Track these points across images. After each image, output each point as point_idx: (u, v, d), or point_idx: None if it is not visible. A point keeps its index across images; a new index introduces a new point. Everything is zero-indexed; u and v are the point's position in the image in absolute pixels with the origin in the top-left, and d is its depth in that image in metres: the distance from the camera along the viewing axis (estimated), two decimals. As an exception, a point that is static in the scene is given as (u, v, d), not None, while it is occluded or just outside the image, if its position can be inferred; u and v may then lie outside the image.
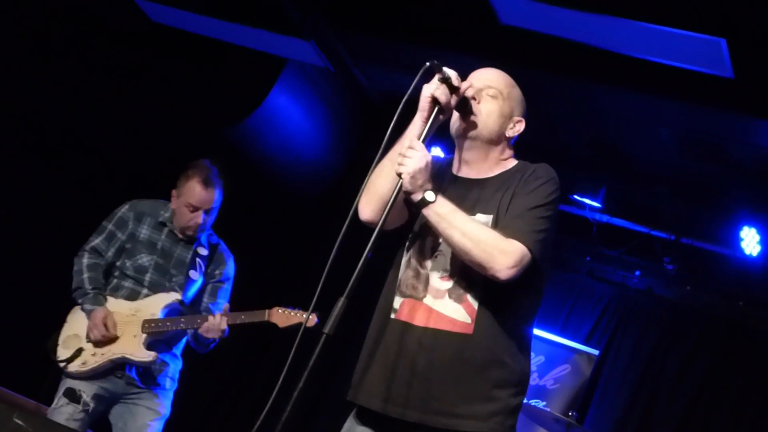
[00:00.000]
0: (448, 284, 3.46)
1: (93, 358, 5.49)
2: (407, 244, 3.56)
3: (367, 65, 7.82)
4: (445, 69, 3.45)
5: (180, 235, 5.72)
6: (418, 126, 3.48)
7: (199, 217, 5.64)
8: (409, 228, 3.58)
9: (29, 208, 8.36)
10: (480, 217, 3.48)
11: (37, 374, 6.67)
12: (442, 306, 3.44)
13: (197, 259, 5.75)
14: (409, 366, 3.40)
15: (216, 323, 5.39)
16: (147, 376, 5.60)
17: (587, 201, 8.06)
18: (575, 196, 8.09)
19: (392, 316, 3.51)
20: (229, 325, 5.43)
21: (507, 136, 3.66)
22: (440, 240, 3.47)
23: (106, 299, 5.61)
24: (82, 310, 5.61)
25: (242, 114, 7.74)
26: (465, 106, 3.55)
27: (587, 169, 7.95)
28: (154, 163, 7.78)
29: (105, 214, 5.82)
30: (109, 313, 5.52)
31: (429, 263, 3.51)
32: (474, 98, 3.56)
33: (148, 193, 5.99)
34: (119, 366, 5.52)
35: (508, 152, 3.70)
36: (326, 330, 3.17)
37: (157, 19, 7.76)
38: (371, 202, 3.48)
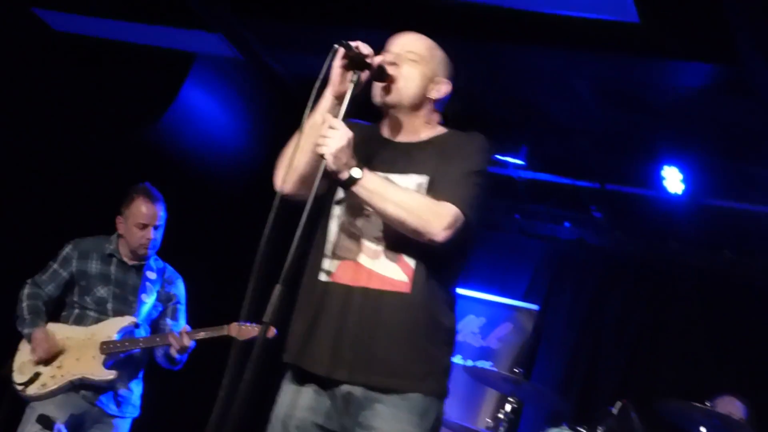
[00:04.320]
0: (383, 244, 3.41)
1: (52, 380, 5.51)
2: (333, 208, 3.49)
3: (278, 51, 7.69)
4: (354, 43, 3.37)
5: (130, 262, 5.77)
6: (329, 100, 3.42)
7: (150, 233, 5.70)
8: (330, 193, 3.50)
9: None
10: (414, 177, 3.45)
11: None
12: (378, 266, 3.40)
13: (147, 283, 5.80)
14: (350, 327, 3.35)
15: (178, 341, 5.46)
16: (115, 403, 5.64)
17: (510, 160, 8.04)
18: (497, 156, 8.04)
19: (327, 279, 3.44)
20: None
21: (432, 98, 3.60)
22: None
23: (45, 323, 5.63)
24: (23, 336, 5.63)
25: (156, 114, 7.59)
26: (382, 75, 3.47)
27: (507, 128, 7.89)
28: (76, 175, 7.58)
29: (40, 230, 5.99)
30: (47, 330, 5.57)
31: (361, 224, 3.46)
32: (394, 63, 3.49)
33: (75, 203, 5.92)
34: (81, 387, 5.52)
35: (436, 116, 3.65)
36: (265, 318, 3.12)
37: (59, 28, 7.60)
38: (289, 175, 3.39)
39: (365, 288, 3.37)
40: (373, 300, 3.36)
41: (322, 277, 3.44)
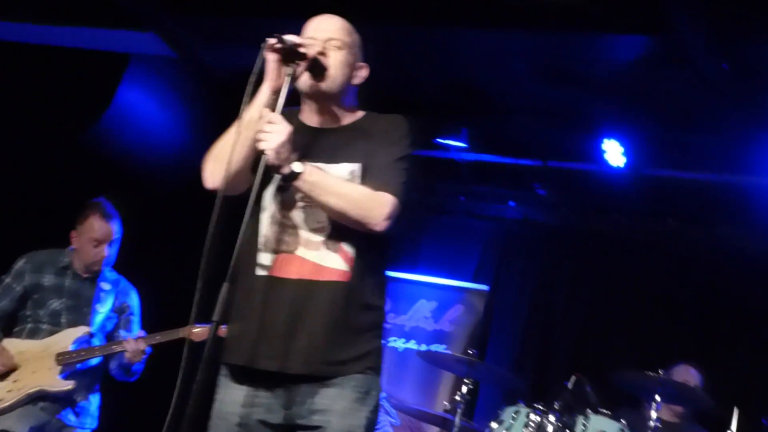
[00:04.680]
0: (322, 235, 3.43)
1: (9, 394, 5.50)
2: (264, 201, 3.47)
3: (213, 47, 7.62)
4: (287, 37, 3.36)
5: (84, 274, 5.76)
6: (267, 95, 3.41)
7: (103, 251, 5.71)
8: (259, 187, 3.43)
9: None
10: (346, 166, 3.47)
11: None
12: (318, 257, 3.42)
13: (101, 293, 5.81)
14: (289, 319, 3.37)
15: (136, 346, 5.48)
16: (74, 414, 5.63)
17: (451, 143, 8.03)
18: (439, 140, 8.05)
19: (264, 273, 3.44)
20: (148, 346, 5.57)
21: (354, 84, 3.62)
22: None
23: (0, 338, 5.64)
24: None
25: (94, 117, 7.50)
26: (316, 66, 3.46)
27: (447, 111, 7.92)
28: (18, 183, 7.48)
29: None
30: (1, 345, 5.57)
31: (296, 216, 3.46)
32: (323, 53, 3.48)
33: (16, 212, 5.93)
34: (39, 400, 5.51)
35: (355, 100, 3.68)
36: (215, 317, 3.12)
37: (-9, 37, 7.49)
38: (220, 169, 3.34)
39: (306, 280, 3.39)
40: (314, 291, 3.38)
41: (259, 271, 3.44)
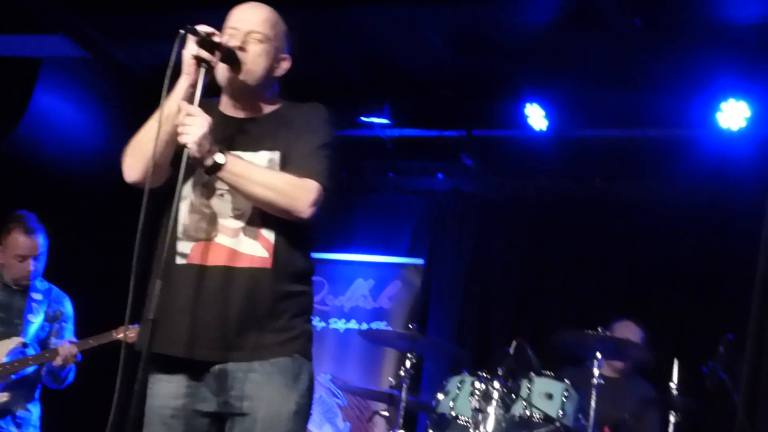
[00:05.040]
0: (241, 222, 3.42)
1: None
2: (184, 191, 3.40)
3: (125, 44, 7.55)
4: (201, 28, 3.32)
5: (14, 286, 5.72)
6: (185, 88, 3.37)
7: (29, 265, 5.66)
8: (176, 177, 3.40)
9: None
10: (265, 154, 3.47)
11: None
12: (237, 244, 3.41)
13: (33, 304, 5.76)
14: (210, 307, 3.36)
15: (67, 350, 5.47)
16: (15, 426, 5.59)
17: (375, 120, 8.04)
18: (362, 119, 8.05)
19: (183, 261, 3.42)
20: (80, 352, 5.54)
21: (275, 75, 3.59)
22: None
23: None
24: None
25: (9, 125, 7.40)
26: (231, 57, 3.43)
27: (368, 89, 7.92)
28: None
29: None
30: None
31: (215, 204, 3.44)
32: (241, 47, 3.44)
33: None
34: None
35: (275, 91, 3.65)
36: (150, 315, 3.14)
37: None
38: (141, 163, 3.35)
39: (225, 266, 3.38)
40: (235, 278, 3.37)
41: (179, 260, 3.42)
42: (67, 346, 5.46)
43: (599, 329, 6.00)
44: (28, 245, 5.64)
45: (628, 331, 6.54)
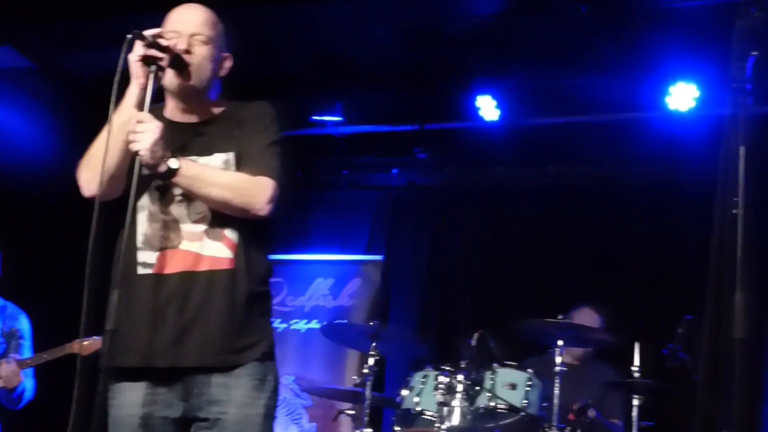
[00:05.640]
0: (204, 225, 3.42)
1: None
2: (140, 201, 3.41)
3: (72, 52, 7.50)
4: (147, 33, 3.30)
5: None
6: (135, 95, 3.35)
7: None
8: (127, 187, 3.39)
9: None
10: (220, 156, 3.48)
11: None
12: (202, 248, 3.42)
13: None
14: (179, 313, 3.36)
15: (8, 370, 5.47)
16: None
17: (327, 118, 8.05)
18: (314, 117, 8.06)
19: (148, 271, 3.41)
20: (35, 366, 5.55)
21: (220, 76, 3.60)
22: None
23: None
24: None
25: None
26: (179, 62, 3.41)
27: (320, 88, 7.94)
28: None
29: None
30: None
31: (174, 211, 3.44)
32: (186, 51, 3.43)
33: None
34: None
35: (218, 91, 3.65)
36: (108, 326, 3.10)
37: None
38: (96, 176, 3.30)
39: (191, 272, 3.38)
40: (201, 282, 3.38)
41: (142, 270, 3.41)
42: (5, 366, 5.44)
43: (560, 317, 6.05)
44: None
45: (586, 317, 6.59)
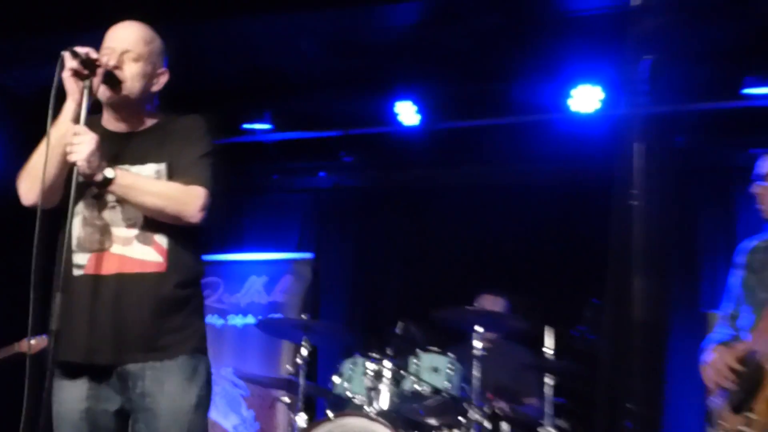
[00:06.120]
0: (134, 231, 3.43)
1: None
2: (74, 206, 3.36)
3: (10, 69, 7.41)
4: (80, 50, 3.30)
5: None
6: (72, 109, 3.35)
7: None
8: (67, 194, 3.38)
9: None
10: (152, 166, 3.49)
11: None
12: (131, 251, 3.42)
13: None
14: (111, 313, 3.37)
15: None
16: None
17: (257, 126, 8.05)
18: (245, 126, 8.06)
19: (81, 272, 3.42)
20: None
21: (153, 90, 3.60)
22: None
23: None
24: None
25: None
26: (111, 78, 3.43)
27: (249, 97, 7.92)
28: None
29: None
30: None
31: (107, 216, 3.45)
32: (117, 67, 3.44)
33: None
34: None
35: (156, 104, 3.66)
36: (52, 327, 3.12)
37: None
38: (36, 186, 3.31)
39: (122, 273, 3.39)
40: (131, 284, 3.39)
41: (76, 272, 3.42)
42: None
43: (475, 304, 6.12)
44: None
45: (490, 302, 6.65)
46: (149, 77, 3.54)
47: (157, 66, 3.58)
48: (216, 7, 6.37)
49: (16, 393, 3.17)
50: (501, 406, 6.15)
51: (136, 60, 3.49)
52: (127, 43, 3.51)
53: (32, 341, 4.92)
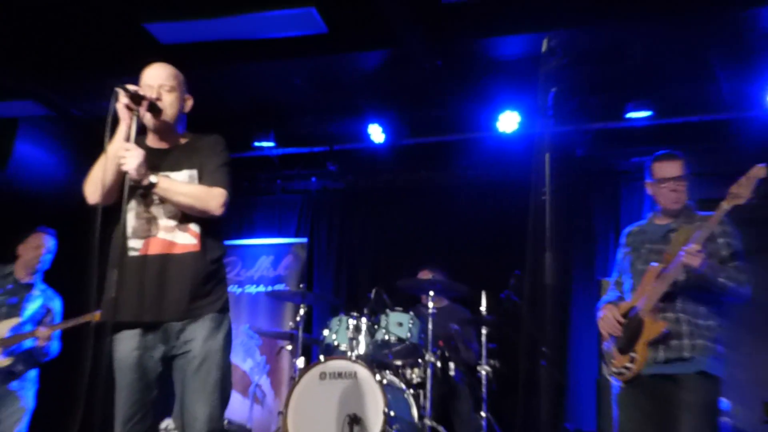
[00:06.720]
0: (174, 222, 3.46)
1: None
2: (126, 204, 3.36)
3: (78, 102, 7.35)
4: (130, 87, 3.35)
5: (22, 281, 5.64)
6: (124, 131, 3.37)
7: (41, 256, 5.67)
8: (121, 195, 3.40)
9: None
10: (187, 172, 3.51)
11: None
12: (174, 236, 3.45)
13: (34, 294, 5.66)
14: (158, 283, 3.38)
15: (42, 333, 5.43)
16: (18, 381, 5.51)
17: (264, 143, 8.01)
18: (255, 144, 8.02)
19: (137, 253, 3.43)
20: (63, 330, 5.51)
21: (184, 112, 3.63)
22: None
23: None
24: None
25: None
26: (154, 108, 3.46)
27: (258, 121, 7.90)
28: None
29: None
30: None
31: (154, 210, 3.47)
32: (157, 99, 3.46)
33: None
34: None
35: (184, 125, 3.67)
36: (111, 295, 3.15)
37: None
38: (98, 189, 3.35)
39: (167, 254, 3.42)
40: (174, 260, 3.41)
41: (132, 253, 3.42)
42: (41, 330, 5.42)
43: (419, 276, 6.10)
44: (43, 240, 5.66)
45: (427, 274, 6.62)
46: (180, 102, 3.57)
47: (184, 92, 3.61)
48: (232, 55, 6.36)
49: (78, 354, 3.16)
50: (449, 349, 6.17)
51: (170, 91, 3.52)
52: (161, 78, 3.53)
53: (96, 312, 4.95)
